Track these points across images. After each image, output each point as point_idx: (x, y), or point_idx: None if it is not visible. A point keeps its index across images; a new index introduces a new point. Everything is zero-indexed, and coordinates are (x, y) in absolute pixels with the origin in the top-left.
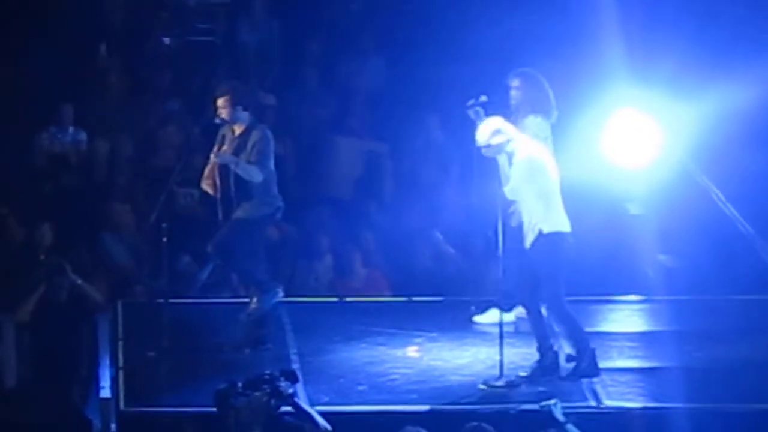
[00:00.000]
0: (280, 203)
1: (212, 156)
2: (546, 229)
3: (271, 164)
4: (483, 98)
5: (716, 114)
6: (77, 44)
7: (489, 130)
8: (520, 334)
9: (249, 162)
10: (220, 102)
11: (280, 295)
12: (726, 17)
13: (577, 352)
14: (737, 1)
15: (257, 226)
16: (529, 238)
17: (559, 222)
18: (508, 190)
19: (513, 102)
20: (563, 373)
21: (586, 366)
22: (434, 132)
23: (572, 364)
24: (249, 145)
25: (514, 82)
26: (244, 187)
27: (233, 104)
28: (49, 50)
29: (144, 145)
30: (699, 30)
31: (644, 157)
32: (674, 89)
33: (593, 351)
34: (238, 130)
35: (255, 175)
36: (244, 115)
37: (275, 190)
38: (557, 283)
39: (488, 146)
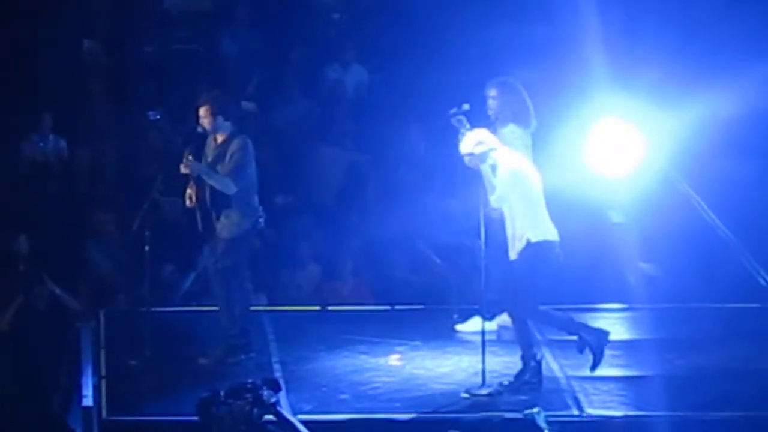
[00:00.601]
0: (261, 214)
1: (182, 166)
2: (534, 238)
3: (251, 175)
4: (465, 107)
5: (698, 122)
6: (60, 52)
7: (472, 139)
8: (502, 342)
9: (225, 173)
10: (201, 111)
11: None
12: (708, 27)
13: (579, 336)
14: (720, 12)
15: (241, 242)
16: (516, 247)
17: (547, 230)
18: (494, 199)
19: (490, 111)
20: (590, 369)
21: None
22: (417, 141)
23: (590, 357)
24: (227, 155)
25: (492, 92)
26: (220, 198)
27: (214, 113)
28: (32, 58)
29: (126, 153)
30: (681, 39)
31: (626, 165)
32: (657, 98)
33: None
34: (219, 138)
35: (228, 187)
36: (225, 125)
37: (255, 201)
38: (534, 292)
39: (471, 155)
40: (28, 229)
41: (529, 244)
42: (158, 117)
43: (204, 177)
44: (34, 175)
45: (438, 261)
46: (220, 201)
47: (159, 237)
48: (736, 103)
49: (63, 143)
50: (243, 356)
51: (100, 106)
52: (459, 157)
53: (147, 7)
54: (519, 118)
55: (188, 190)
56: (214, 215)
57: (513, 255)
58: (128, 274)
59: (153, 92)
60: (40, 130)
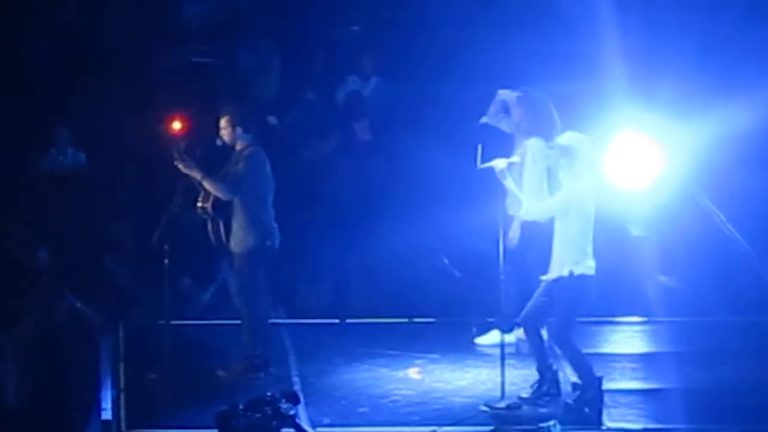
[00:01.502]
0: (272, 232)
1: (176, 162)
2: (576, 271)
3: (258, 189)
4: (484, 120)
5: (718, 136)
6: (78, 65)
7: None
8: (521, 355)
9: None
10: (222, 122)
11: None
12: (727, 41)
13: (583, 382)
14: (739, 26)
15: (253, 257)
16: (554, 273)
17: (587, 265)
18: (539, 213)
19: (513, 122)
20: (569, 400)
21: (592, 396)
22: (434, 151)
23: (577, 393)
24: (238, 163)
25: (512, 103)
26: (223, 208)
27: (233, 125)
28: (50, 71)
29: (145, 166)
30: (701, 53)
31: (646, 178)
32: (676, 111)
33: (599, 380)
34: (239, 147)
35: (222, 193)
36: (245, 137)
37: (265, 218)
38: (571, 319)
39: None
40: (47, 242)
41: (570, 276)
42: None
43: (196, 177)
44: (53, 188)
45: (458, 274)
46: (223, 210)
47: (178, 250)
48: (755, 116)
49: (82, 156)
50: (262, 373)
51: (119, 118)
52: (477, 169)
53: (166, 19)
54: (539, 130)
55: (199, 199)
56: (222, 227)
57: (551, 277)
58: (147, 287)
59: (171, 104)
60: (58, 144)
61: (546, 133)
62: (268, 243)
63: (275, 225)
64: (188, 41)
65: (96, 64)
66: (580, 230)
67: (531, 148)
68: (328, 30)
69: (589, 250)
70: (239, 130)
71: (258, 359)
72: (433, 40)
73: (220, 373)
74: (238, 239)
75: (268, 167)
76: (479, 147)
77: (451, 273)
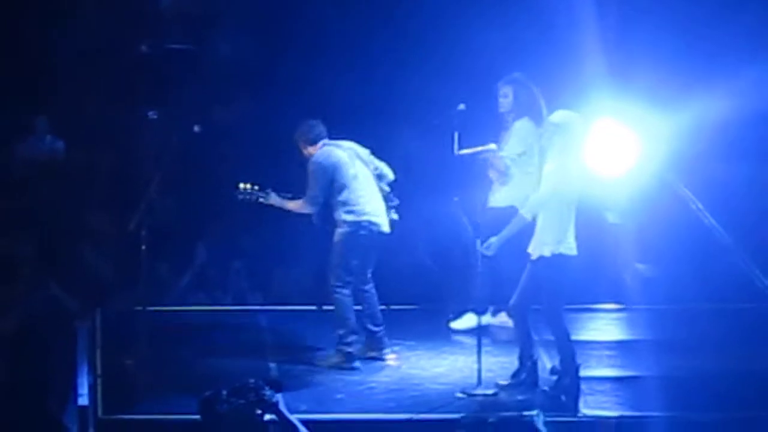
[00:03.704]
0: (360, 219)
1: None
2: (557, 251)
3: (331, 186)
4: (461, 107)
5: (694, 125)
6: (55, 53)
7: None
8: (497, 342)
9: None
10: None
11: None
12: (703, 30)
13: (563, 367)
14: (715, 15)
15: (347, 244)
16: (536, 252)
17: (569, 245)
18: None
19: (503, 109)
20: (545, 387)
21: (569, 382)
22: (411, 143)
23: (555, 380)
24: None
25: (505, 88)
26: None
27: (305, 146)
28: (26, 59)
29: (122, 153)
30: (677, 42)
31: (623, 166)
32: (652, 100)
33: (577, 368)
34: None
35: (304, 210)
36: (308, 147)
37: (353, 206)
38: (559, 299)
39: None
40: (24, 230)
41: (553, 255)
42: (156, 117)
43: (277, 204)
44: (30, 176)
45: (431, 263)
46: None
47: (155, 236)
48: (731, 105)
49: (60, 144)
50: (358, 363)
51: (96, 106)
52: (452, 158)
53: (142, 7)
54: (533, 112)
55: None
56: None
57: (534, 254)
58: (124, 273)
59: (149, 92)
60: (36, 132)
61: (536, 116)
62: (362, 232)
63: (374, 210)
64: (164, 28)
65: (74, 53)
66: (564, 210)
67: (521, 130)
68: (303, 20)
69: (572, 230)
70: (310, 148)
71: (348, 347)
72: (407, 30)
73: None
74: (336, 230)
75: (332, 158)
76: (456, 134)
77: (425, 261)
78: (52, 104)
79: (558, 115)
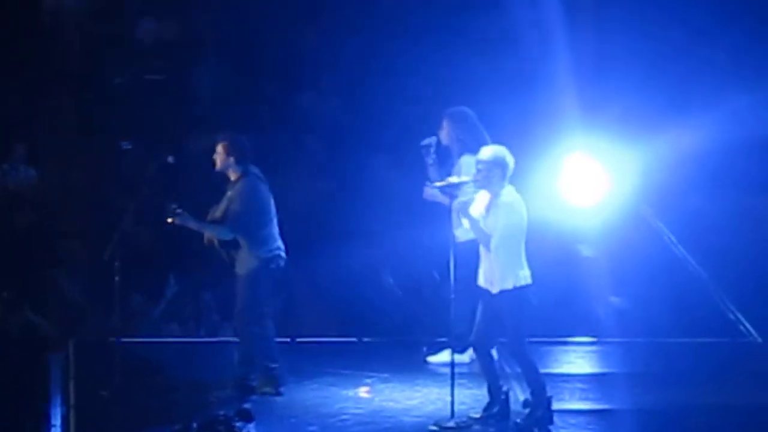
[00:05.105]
0: (277, 250)
1: (169, 219)
2: (518, 283)
3: (256, 215)
4: (432, 139)
5: (668, 156)
6: (32, 82)
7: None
8: (472, 375)
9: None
10: (219, 147)
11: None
12: (677, 61)
13: (534, 400)
14: (688, 46)
15: (255, 278)
16: (496, 287)
17: (526, 275)
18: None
19: (444, 144)
20: (518, 419)
21: (541, 415)
22: (384, 171)
23: (527, 410)
24: (233, 198)
25: (443, 122)
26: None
27: (228, 153)
28: (3, 88)
29: (97, 182)
30: (649, 74)
31: (596, 199)
32: (625, 132)
33: (549, 400)
34: (232, 177)
35: (223, 234)
36: (237, 167)
37: (266, 236)
38: (522, 331)
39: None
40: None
41: (514, 288)
42: (130, 147)
43: (195, 228)
44: (3, 204)
45: (400, 293)
46: (227, 240)
47: (128, 267)
48: (705, 137)
49: (32, 172)
50: (254, 396)
51: (72, 135)
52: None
53: (119, 36)
54: (470, 147)
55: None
56: (229, 249)
57: (494, 289)
58: (98, 303)
59: (124, 121)
60: (13, 160)
61: (476, 150)
62: (272, 266)
63: (281, 245)
64: (141, 58)
65: (51, 81)
66: (521, 241)
67: (465, 166)
68: (281, 48)
69: (524, 258)
70: (232, 159)
71: (251, 382)
72: (384, 59)
73: (172, 390)
74: (242, 260)
75: (264, 192)
76: (428, 162)
77: (396, 293)
78: (31, 132)
79: (488, 151)
